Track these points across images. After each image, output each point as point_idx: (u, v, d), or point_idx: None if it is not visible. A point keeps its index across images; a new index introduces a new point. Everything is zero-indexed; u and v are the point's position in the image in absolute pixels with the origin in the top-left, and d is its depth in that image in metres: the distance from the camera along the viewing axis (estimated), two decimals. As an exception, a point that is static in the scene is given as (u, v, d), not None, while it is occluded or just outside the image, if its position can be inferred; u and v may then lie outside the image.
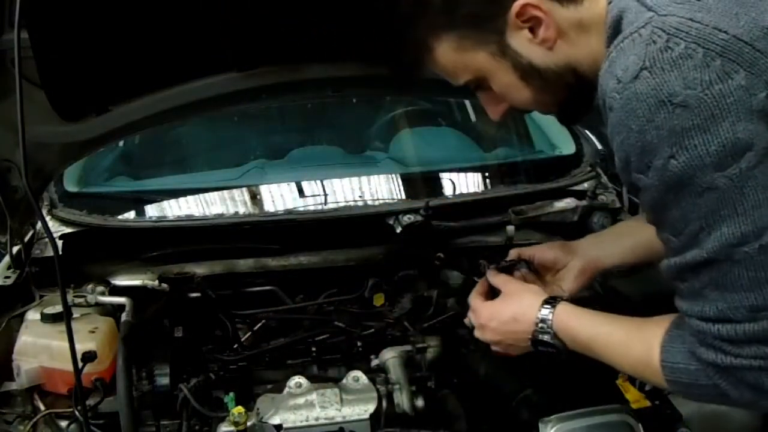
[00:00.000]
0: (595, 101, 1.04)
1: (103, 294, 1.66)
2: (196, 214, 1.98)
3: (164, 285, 1.72)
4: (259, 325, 1.77)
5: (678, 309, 1.03)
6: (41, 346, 1.49)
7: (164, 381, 1.49)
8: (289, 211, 1.97)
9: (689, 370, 1.02)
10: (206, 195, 2.10)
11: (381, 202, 2.13)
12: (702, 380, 1.01)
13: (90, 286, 1.67)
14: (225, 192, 2.11)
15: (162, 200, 2.08)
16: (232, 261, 1.85)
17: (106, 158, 2.42)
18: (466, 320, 1.43)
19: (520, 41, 1.07)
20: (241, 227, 1.87)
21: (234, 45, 1.47)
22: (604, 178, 2.07)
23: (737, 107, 0.86)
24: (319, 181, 2.13)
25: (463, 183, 2.26)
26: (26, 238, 1.77)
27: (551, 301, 1.25)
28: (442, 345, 1.70)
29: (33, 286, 1.71)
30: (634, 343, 1.12)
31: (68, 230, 1.82)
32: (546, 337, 1.23)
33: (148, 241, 1.83)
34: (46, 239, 1.72)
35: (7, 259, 1.77)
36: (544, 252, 1.47)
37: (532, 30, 1.05)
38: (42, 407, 1.49)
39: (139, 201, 2.09)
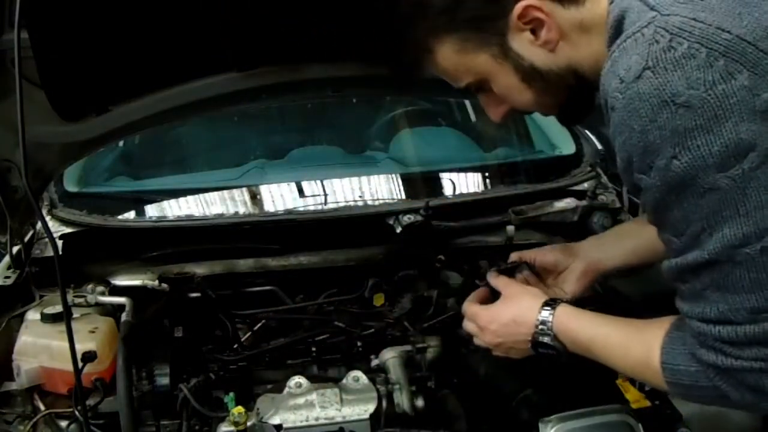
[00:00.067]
0: (597, 101, 1.04)
1: (103, 294, 1.66)
2: (196, 214, 1.98)
3: (164, 285, 1.72)
4: (259, 325, 1.77)
5: (678, 310, 1.03)
6: (41, 346, 1.49)
7: (164, 381, 1.49)
8: (289, 211, 1.97)
9: (689, 371, 1.02)
10: (206, 195, 2.10)
11: (381, 202, 2.13)
12: (702, 382, 1.01)
13: (90, 286, 1.67)
14: (225, 192, 2.11)
15: (162, 200, 2.08)
16: (232, 261, 1.85)
17: (106, 158, 2.42)
18: (461, 331, 1.43)
19: (522, 43, 1.06)
20: (241, 227, 1.87)
21: (234, 45, 1.47)
22: (604, 178, 2.07)
23: (740, 108, 0.85)
24: (319, 181, 2.13)
25: (463, 183, 2.26)
26: (26, 238, 1.77)
27: (551, 303, 1.25)
28: (442, 345, 1.70)
29: (33, 286, 1.71)
30: (633, 344, 1.12)
31: (68, 230, 1.82)
32: (546, 339, 1.23)
33: (148, 241, 1.83)
34: (46, 239, 1.72)
35: (7, 259, 1.77)
36: (545, 254, 1.47)
37: (534, 32, 1.05)
38: (42, 407, 1.49)
39: (139, 201, 2.09)
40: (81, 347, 1.38)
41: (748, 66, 0.86)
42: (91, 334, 1.51)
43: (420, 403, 1.49)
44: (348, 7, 1.31)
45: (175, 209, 2.07)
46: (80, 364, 1.35)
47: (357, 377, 1.49)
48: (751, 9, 0.90)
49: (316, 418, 1.39)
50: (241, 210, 2.03)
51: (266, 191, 2.12)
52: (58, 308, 1.54)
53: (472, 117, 2.68)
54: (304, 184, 2.11)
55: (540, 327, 1.24)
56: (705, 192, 0.89)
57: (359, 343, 1.70)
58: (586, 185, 2.04)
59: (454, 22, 1.07)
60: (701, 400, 1.09)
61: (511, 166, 2.37)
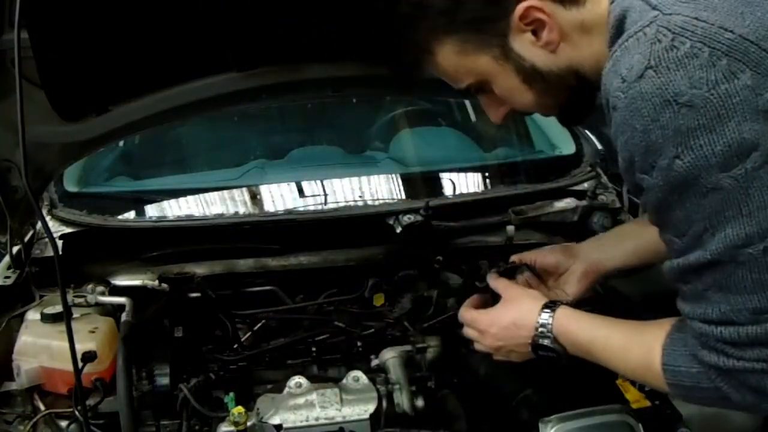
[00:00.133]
0: (598, 101, 1.03)
1: (103, 294, 1.66)
2: (196, 214, 1.98)
3: (164, 285, 1.72)
4: (259, 325, 1.77)
5: (680, 311, 1.03)
6: (41, 346, 1.49)
7: (164, 381, 1.49)
8: (289, 211, 1.97)
9: (691, 373, 1.02)
10: (206, 195, 2.10)
11: (381, 202, 2.13)
12: (704, 383, 1.01)
13: (90, 286, 1.67)
14: (225, 192, 2.11)
15: (162, 200, 2.08)
16: (232, 261, 1.85)
17: (106, 158, 2.42)
18: (461, 331, 1.43)
19: (523, 44, 1.06)
20: (241, 227, 1.86)
21: (234, 45, 1.47)
22: (604, 178, 2.07)
23: (743, 107, 0.85)
24: (319, 181, 2.13)
25: (463, 183, 2.26)
26: (26, 238, 1.77)
27: (551, 305, 1.25)
28: (442, 345, 1.70)
29: (33, 286, 1.71)
30: (634, 346, 1.12)
31: (68, 230, 1.82)
32: (546, 342, 1.23)
33: (148, 241, 1.83)
34: (46, 239, 1.72)
35: (7, 259, 1.76)
36: (545, 256, 1.47)
37: (535, 33, 1.05)
38: (42, 407, 1.49)
39: (139, 201, 2.09)
40: (81, 347, 1.38)
41: (750, 65, 0.85)
42: (91, 334, 1.51)
43: (420, 403, 1.49)
44: (348, 7, 1.31)
45: (175, 209, 2.07)
46: (80, 364, 1.35)
47: (357, 377, 1.49)
48: (753, 8, 0.89)
49: (316, 418, 1.39)
50: (241, 210, 2.03)
51: (266, 191, 2.12)
52: (58, 308, 1.54)
53: (472, 117, 2.68)
54: (304, 184, 2.11)
55: (540, 330, 1.23)
56: (707, 192, 0.89)
57: (359, 343, 1.70)
58: (586, 185, 2.04)
59: (455, 23, 1.06)
60: (702, 401, 1.09)
61: (511, 166, 2.37)
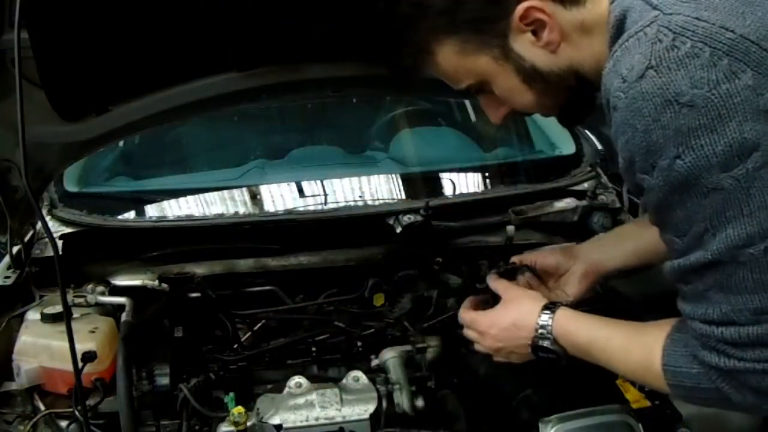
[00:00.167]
0: (598, 101, 1.03)
1: (103, 294, 1.66)
2: (196, 214, 1.98)
3: (164, 285, 1.72)
4: (259, 325, 1.77)
5: (680, 311, 1.03)
6: (41, 346, 1.49)
7: (164, 381, 1.49)
8: (289, 211, 1.97)
9: (691, 373, 1.02)
10: (206, 195, 2.10)
11: (381, 202, 2.14)
12: (704, 384, 1.01)
13: (90, 286, 1.67)
14: (225, 192, 2.11)
15: (162, 200, 2.08)
16: (232, 261, 1.85)
17: (106, 158, 2.42)
18: (461, 331, 1.43)
19: (524, 45, 1.06)
20: (241, 227, 1.86)
21: (234, 45, 1.47)
22: (604, 178, 2.07)
23: (744, 107, 0.85)
24: (319, 181, 2.13)
25: (463, 183, 2.26)
26: (26, 238, 1.77)
27: (551, 306, 1.25)
28: (442, 345, 1.70)
29: (33, 286, 1.71)
30: (634, 347, 1.12)
31: (68, 230, 1.82)
32: (546, 343, 1.23)
33: (148, 241, 1.83)
34: (46, 239, 1.72)
35: (7, 259, 1.76)
36: (545, 257, 1.47)
37: (535, 33, 1.04)
38: (42, 407, 1.49)
39: (139, 201, 2.09)
40: (81, 347, 1.38)
41: (751, 65, 0.85)
42: (91, 334, 1.51)
43: (420, 403, 1.49)
44: (348, 7, 1.31)
45: (175, 209, 2.07)
46: (80, 364, 1.35)
47: (357, 377, 1.50)
48: (754, 8, 0.89)
49: (316, 418, 1.39)
50: (241, 210, 2.03)
51: (266, 191, 2.13)
52: (58, 308, 1.54)
53: (472, 117, 2.68)
54: (304, 184, 2.11)
55: (540, 331, 1.23)
56: (708, 192, 0.89)
57: (359, 343, 1.70)
58: (586, 185, 2.04)
59: (454, 23, 1.06)
60: (703, 402, 1.09)
61: (511, 166, 2.37)
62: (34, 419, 1.45)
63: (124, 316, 1.58)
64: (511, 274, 1.46)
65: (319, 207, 2.03)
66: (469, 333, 1.39)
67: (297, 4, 1.40)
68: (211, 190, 2.11)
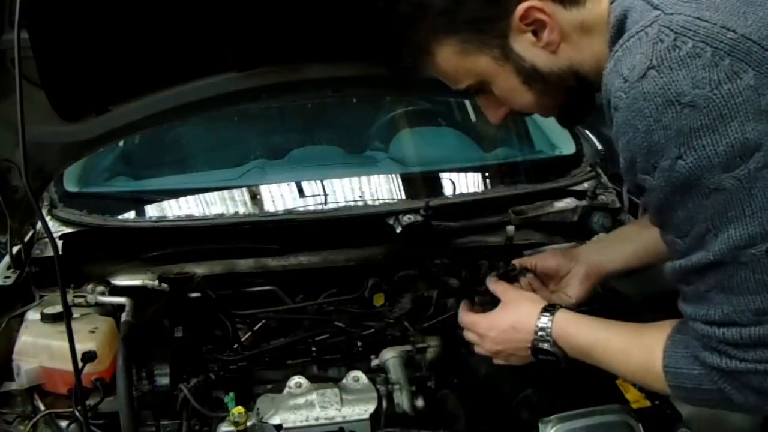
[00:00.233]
0: (598, 101, 1.03)
1: (103, 294, 1.66)
2: (196, 214, 1.98)
3: (164, 285, 1.72)
4: (259, 325, 1.77)
5: (682, 312, 1.03)
6: (41, 346, 1.49)
7: (164, 381, 1.48)
8: (289, 211, 1.97)
9: (692, 374, 1.02)
10: (206, 195, 2.10)
11: (381, 202, 2.13)
12: (705, 385, 1.01)
13: (90, 286, 1.67)
14: (225, 192, 2.11)
15: (162, 200, 2.08)
16: (232, 261, 1.85)
17: (106, 158, 2.42)
18: (461, 331, 1.43)
19: (524, 45, 1.06)
20: (241, 227, 1.86)
21: (234, 45, 1.47)
22: (604, 178, 2.07)
23: (746, 107, 0.85)
24: (319, 181, 2.13)
25: (463, 183, 2.26)
26: (26, 238, 1.77)
27: (550, 308, 1.25)
28: (442, 345, 1.70)
29: (33, 286, 1.71)
30: (634, 348, 1.12)
31: (68, 230, 1.82)
32: (546, 346, 1.23)
33: (148, 241, 1.83)
34: (46, 239, 1.72)
35: (7, 259, 1.76)
36: (546, 260, 1.47)
37: (536, 33, 1.04)
38: (42, 407, 1.49)
39: (139, 201, 2.09)
40: (81, 347, 1.38)
41: (753, 65, 0.85)
42: (91, 334, 1.51)
43: (420, 403, 1.48)
44: (348, 7, 1.31)
45: (175, 209, 2.07)
46: (80, 364, 1.34)
47: (357, 377, 1.49)
48: (755, 8, 0.89)
49: (316, 418, 1.39)
50: (241, 210, 2.03)
51: (266, 191, 2.13)
52: (58, 308, 1.54)
53: (472, 117, 2.68)
54: (304, 184, 2.11)
55: (539, 333, 1.23)
56: (710, 192, 0.88)
57: (359, 343, 1.70)
58: (586, 185, 2.04)
59: (454, 23, 1.06)
60: (704, 403, 1.08)
61: (511, 166, 2.37)
62: (34, 419, 1.45)
63: (124, 316, 1.58)
64: (511, 277, 1.46)
65: (319, 207, 2.03)
66: (468, 335, 1.39)
67: (297, 4, 1.40)
68: (211, 190, 2.11)
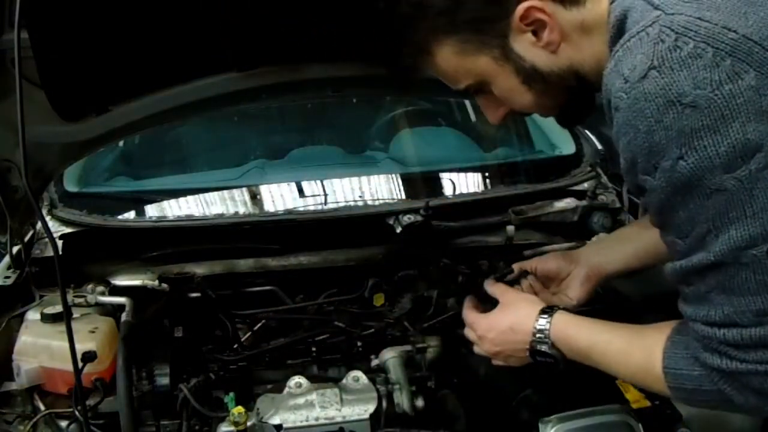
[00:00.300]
0: (598, 101, 1.03)
1: (103, 294, 1.66)
2: (196, 214, 1.97)
3: (164, 285, 1.72)
4: (259, 325, 1.77)
5: (682, 313, 1.03)
6: (41, 346, 1.49)
7: (164, 381, 1.48)
8: (289, 211, 1.97)
9: (692, 375, 1.02)
10: (206, 195, 2.10)
11: (381, 202, 2.13)
12: (706, 386, 1.00)
13: (90, 286, 1.67)
14: (225, 192, 2.11)
15: (162, 200, 2.08)
16: (232, 261, 1.85)
17: (106, 158, 2.42)
18: (461, 331, 1.43)
19: (524, 45, 1.05)
20: (241, 227, 1.86)
21: (234, 45, 1.47)
22: (604, 178, 2.07)
23: (747, 108, 0.85)
24: (319, 181, 2.13)
25: (463, 183, 2.26)
26: (26, 238, 1.77)
27: (548, 310, 1.25)
28: (442, 345, 1.70)
29: (33, 286, 1.71)
30: (633, 350, 1.12)
31: (68, 230, 1.82)
32: (544, 347, 1.23)
33: (148, 241, 1.83)
34: (46, 239, 1.72)
35: (7, 259, 1.76)
36: (546, 262, 1.47)
37: (536, 33, 1.04)
38: (42, 407, 1.49)
39: (139, 201, 2.09)
40: (81, 347, 1.38)
41: (754, 66, 0.85)
42: (91, 334, 1.51)
43: (420, 403, 1.49)
44: (348, 7, 1.31)
45: (175, 209, 2.07)
46: (80, 364, 1.34)
47: (357, 377, 1.49)
48: (756, 8, 0.89)
49: (316, 418, 1.39)
50: (241, 210, 2.03)
51: (266, 191, 2.12)
52: (58, 308, 1.54)
53: (472, 117, 2.68)
54: (304, 184, 2.11)
55: (537, 335, 1.23)
56: (711, 193, 0.88)
57: (359, 343, 1.70)
58: (586, 185, 2.04)
59: (454, 23, 1.05)
60: (704, 404, 1.08)
61: (511, 166, 2.37)
62: (34, 419, 1.45)
63: (124, 316, 1.58)
64: (506, 279, 1.46)
65: (319, 207, 2.03)
66: (469, 334, 1.39)
67: (297, 4, 1.40)
68: (211, 190, 2.11)
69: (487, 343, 1.34)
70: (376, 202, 2.12)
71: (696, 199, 0.90)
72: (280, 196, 2.11)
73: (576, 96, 1.11)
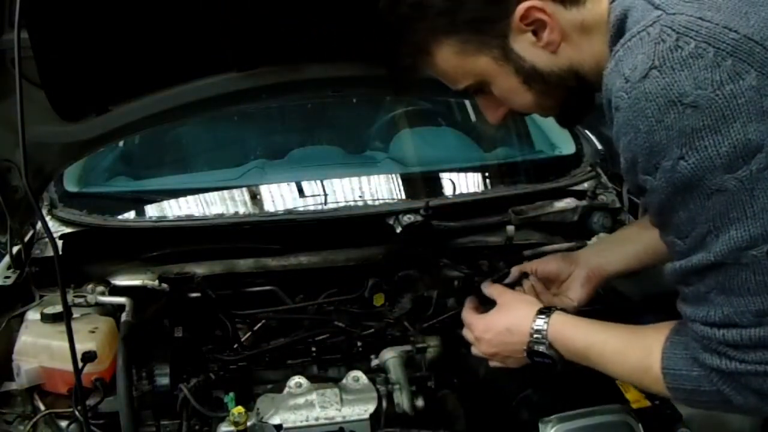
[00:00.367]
0: (598, 101, 1.03)
1: (103, 294, 1.66)
2: (196, 214, 1.97)
3: (164, 285, 1.72)
4: (259, 325, 1.77)
5: (681, 313, 1.02)
6: (41, 346, 1.49)
7: (164, 381, 1.48)
8: (289, 211, 1.97)
9: (691, 376, 1.02)
10: (206, 195, 2.10)
11: (381, 202, 2.13)
12: (705, 386, 1.00)
13: (90, 286, 1.67)
14: (225, 192, 2.11)
15: (162, 200, 2.08)
16: (232, 261, 1.85)
17: (106, 158, 2.42)
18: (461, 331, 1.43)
19: (524, 45, 1.05)
20: (241, 227, 1.86)
21: (234, 45, 1.47)
22: (604, 178, 2.07)
23: (748, 108, 0.85)
24: (319, 181, 2.13)
25: (463, 183, 2.26)
26: (26, 238, 1.77)
27: (546, 311, 1.25)
28: (442, 345, 1.70)
29: (33, 286, 1.71)
30: (632, 351, 1.12)
31: (68, 230, 1.82)
32: (541, 348, 1.23)
33: (148, 241, 1.83)
34: (46, 239, 1.72)
35: (7, 259, 1.76)
36: (546, 264, 1.47)
37: (536, 33, 1.04)
38: (42, 407, 1.49)
39: (138, 201, 2.09)
40: (81, 347, 1.38)
41: (755, 66, 0.85)
42: (91, 334, 1.51)
43: (420, 403, 1.49)
44: (348, 7, 1.31)
45: (175, 209, 2.07)
46: (80, 364, 1.35)
47: (357, 377, 1.49)
48: (757, 8, 0.89)
49: (316, 418, 1.39)
50: (241, 210, 2.03)
51: (266, 191, 2.12)
52: (58, 308, 1.54)
53: (472, 117, 2.68)
54: (304, 184, 2.11)
55: (535, 336, 1.23)
56: (712, 193, 0.88)
57: (359, 343, 1.70)
58: (586, 185, 2.04)
59: (454, 24, 1.05)
60: (703, 405, 1.08)
61: (511, 166, 2.37)
62: (34, 419, 1.45)
63: (124, 316, 1.58)
64: (504, 280, 1.46)
65: (319, 207, 2.03)
66: (466, 335, 1.39)
67: (297, 4, 1.40)
68: (211, 190, 2.11)
69: (484, 344, 1.33)
70: (376, 202, 2.11)
71: (696, 199, 0.90)
72: (280, 196, 2.11)
73: (576, 96, 1.11)
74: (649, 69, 0.88)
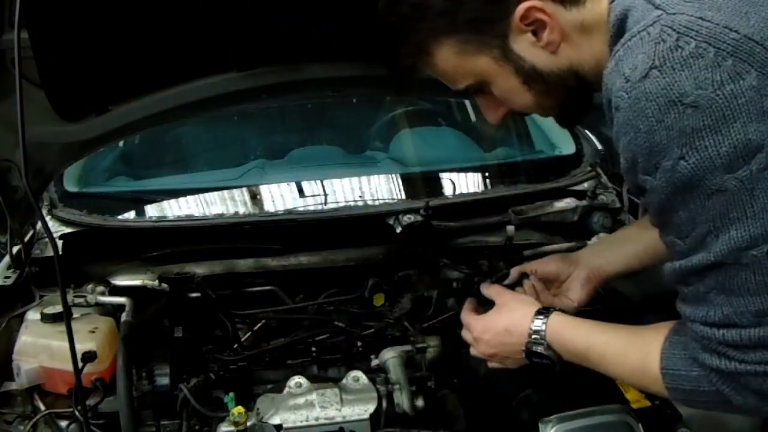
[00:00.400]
0: (598, 101, 1.03)
1: (103, 294, 1.66)
2: (196, 214, 1.98)
3: (164, 285, 1.72)
4: (259, 325, 1.77)
5: (681, 313, 1.02)
6: (41, 346, 1.49)
7: (164, 381, 1.48)
8: (289, 211, 1.97)
9: (691, 376, 1.02)
10: (206, 195, 2.10)
11: (381, 202, 2.13)
12: (704, 386, 1.00)
13: (90, 286, 1.67)
14: (225, 192, 2.11)
15: (162, 200, 2.08)
16: (232, 261, 1.85)
17: (106, 158, 2.42)
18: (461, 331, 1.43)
19: (524, 45, 1.05)
20: (241, 227, 1.87)
21: (234, 45, 1.47)
22: (604, 178, 2.07)
23: (748, 108, 0.85)
24: (319, 181, 2.13)
25: (463, 183, 2.26)
26: (26, 238, 1.77)
27: (544, 311, 1.25)
28: (442, 345, 1.70)
29: (33, 286, 1.71)
30: (631, 351, 1.12)
31: (68, 230, 1.82)
32: (540, 349, 1.23)
33: (148, 241, 1.83)
34: (46, 239, 1.72)
35: (7, 259, 1.76)
36: (546, 265, 1.47)
37: (536, 33, 1.04)
38: (42, 407, 1.49)
39: (138, 201, 2.09)
40: (81, 347, 1.38)
41: (756, 66, 0.85)
42: (91, 334, 1.51)
43: (420, 403, 1.49)
44: (348, 7, 1.31)
45: (175, 209, 2.07)
46: (80, 364, 1.35)
47: (357, 377, 1.49)
48: (758, 8, 0.89)
49: (316, 418, 1.39)
50: (241, 210, 2.03)
51: (266, 191, 2.13)
52: (58, 308, 1.54)
53: (472, 117, 2.68)
54: (304, 184, 2.11)
55: (533, 336, 1.23)
56: (712, 193, 0.88)
57: (359, 343, 1.70)
58: (586, 185, 2.04)
59: (454, 24, 1.05)
60: (703, 405, 1.07)
61: (511, 166, 2.37)
62: (34, 419, 1.45)
63: (124, 316, 1.58)
64: (503, 280, 1.46)
65: (319, 207, 2.03)
66: (465, 336, 1.39)
67: (297, 4, 1.40)
68: (211, 190, 2.11)
69: (482, 344, 1.33)
70: (376, 202, 2.12)
71: (696, 199, 0.90)
72: (280, 196, 2.11)
73: (576, 96, 1.11)
74: (650, 69, 0.88)
